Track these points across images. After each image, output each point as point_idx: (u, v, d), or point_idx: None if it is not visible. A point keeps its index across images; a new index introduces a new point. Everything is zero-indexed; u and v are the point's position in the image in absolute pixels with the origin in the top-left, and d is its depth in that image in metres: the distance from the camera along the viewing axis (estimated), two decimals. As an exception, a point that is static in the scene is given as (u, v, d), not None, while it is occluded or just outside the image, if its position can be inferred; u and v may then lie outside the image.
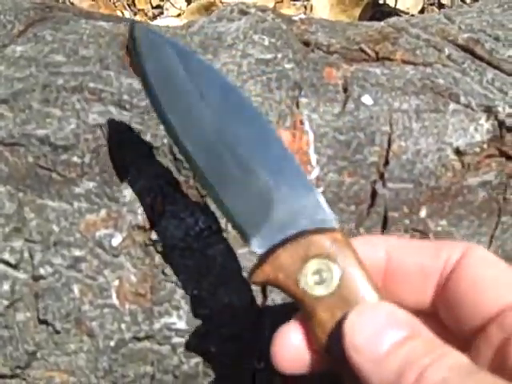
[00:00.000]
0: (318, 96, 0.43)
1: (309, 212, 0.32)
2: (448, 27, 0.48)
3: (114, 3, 1.05)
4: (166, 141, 0.41)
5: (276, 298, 0.40)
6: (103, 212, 0.41)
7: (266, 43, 0.45)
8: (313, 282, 0.30)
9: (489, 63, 0.45)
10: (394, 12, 0.96)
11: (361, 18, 0.97)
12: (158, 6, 1.07)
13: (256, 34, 0.46)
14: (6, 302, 0.40)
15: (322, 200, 0.32)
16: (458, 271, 0.31)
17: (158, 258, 0.41)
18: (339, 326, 0.29)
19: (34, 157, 0.41)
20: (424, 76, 0.44)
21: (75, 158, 0.41)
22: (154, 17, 1.06)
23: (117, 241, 0.40)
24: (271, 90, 0.43)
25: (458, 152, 0.42)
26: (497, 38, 0.46)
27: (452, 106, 0.43)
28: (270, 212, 0.32)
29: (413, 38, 0.47)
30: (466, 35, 0.47)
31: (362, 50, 0.46)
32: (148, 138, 0.41)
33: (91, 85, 0.43)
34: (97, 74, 0.43)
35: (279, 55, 0.45)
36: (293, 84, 0.43)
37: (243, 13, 0.48)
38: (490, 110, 0.43)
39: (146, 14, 1.05)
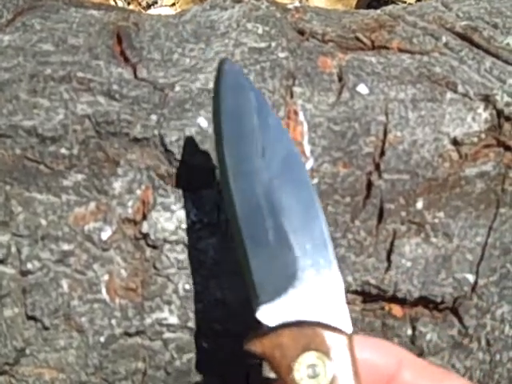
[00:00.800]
0: (313, 85, 0.42)
1: (328, 304, 0.31)
2: (445, 15, 0.47)
3: (107, -8, 1.03)
4: (156, 132, 0.40)
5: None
6: (92, 205, 0.40)
7: (260, 31, 0.44)
8: (306, 374, 0.30)
9: (487, 51, 0.44)
10: (391, 0, 0.95)
11: (357, 7, 0.95)
12: (152, -5, 1.05)
13: (249, 23, 0.45)
14: (-7, 298, 0.39)
15: (343, 298, 0.32)
16: None
17: (148, 252, 0.40)
18: None
19: (22, 148, 0.40)
20: (421, 64, 0.43)
21: (63, 150, 0.40)
22: (148, 6, 1.04)
23: (106, 234, 0.39)
24: (265, 79, 0.42)
25: (455, 142, 0.41)
26: (495, 26, 0.45)
27: (449, 94, 0.42)
28: (289, 289, 0.31)
29: (409, 26, 0.46)
30: (463, 23, 0.46)
31: (358, 39, 0.45)
32: (138, 128, 0.40)
33: (80, 74, 0.42)
34: (86, 64, 0.42)
35: (273, 44, 0.44)
36: (287, 73, 0.42)
37: (237, 1, 0.48)
38: (487, 99, 0.42)
39: (139, 4, 1.03)
